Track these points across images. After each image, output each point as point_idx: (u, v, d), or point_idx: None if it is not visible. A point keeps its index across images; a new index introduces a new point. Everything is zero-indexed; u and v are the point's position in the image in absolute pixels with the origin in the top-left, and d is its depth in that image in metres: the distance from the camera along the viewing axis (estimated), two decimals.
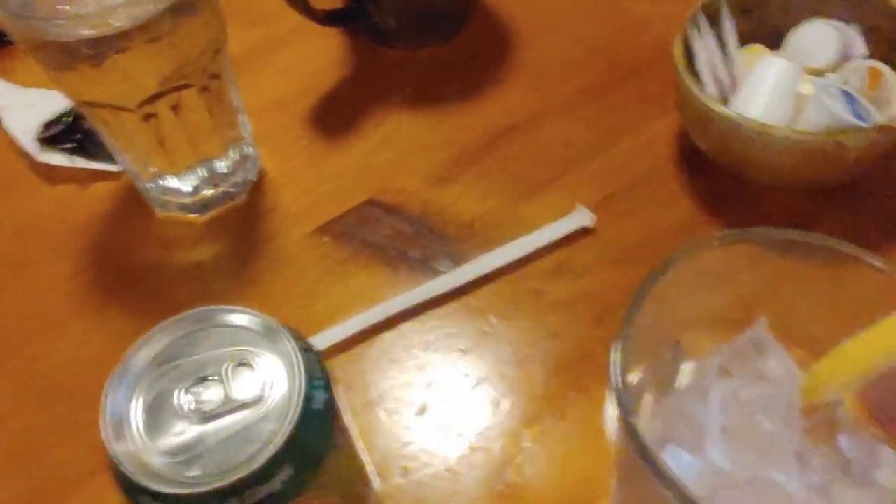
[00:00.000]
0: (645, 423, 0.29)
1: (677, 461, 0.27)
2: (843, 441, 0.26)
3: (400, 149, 0.52)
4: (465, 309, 0.44)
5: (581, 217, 0.46)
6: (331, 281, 0.46)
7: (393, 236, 0.47)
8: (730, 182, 0.46)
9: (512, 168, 0.50)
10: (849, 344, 0.25)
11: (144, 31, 0.39)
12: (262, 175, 0.51)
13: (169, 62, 0.41)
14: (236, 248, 0.48)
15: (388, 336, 0.43)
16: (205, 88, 0.45)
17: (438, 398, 0.41)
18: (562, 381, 0.41)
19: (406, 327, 0.44)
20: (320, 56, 0.57)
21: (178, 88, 0.42)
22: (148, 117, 0.44)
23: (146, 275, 0.47)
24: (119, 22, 0.38)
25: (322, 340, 0.43)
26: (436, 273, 0.45)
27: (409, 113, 0.53)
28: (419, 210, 0.48)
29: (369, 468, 0.35)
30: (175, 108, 0.44)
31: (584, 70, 0.54)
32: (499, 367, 0.42)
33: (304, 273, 0.46)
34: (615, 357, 0.25)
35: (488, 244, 0.46)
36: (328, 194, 0.50)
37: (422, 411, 0.41)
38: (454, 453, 0.39)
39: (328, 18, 0.51)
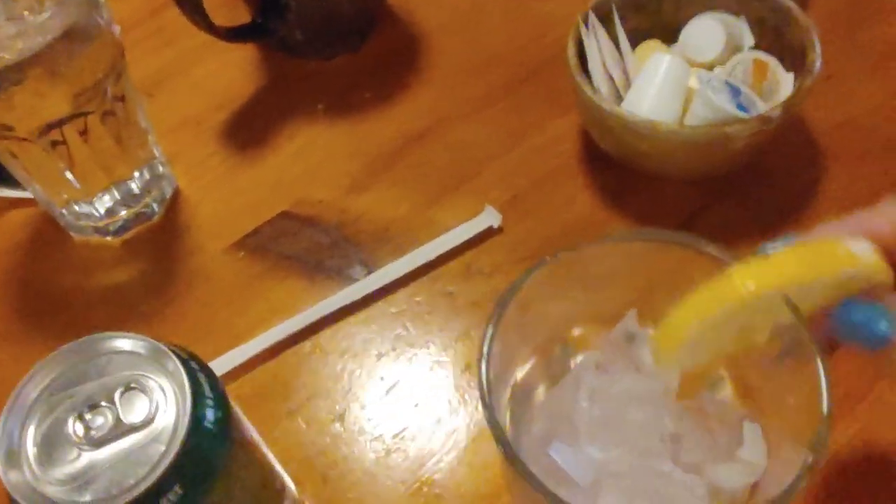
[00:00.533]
0: (536, 419, 0.31)
1: (561, 455, 0.29)
2: (713, 422, 0.28)
3: (314, 160, 0.52)
4: (380, 314, 0.45)
5: (489, 217, 0.47)
6: (249, 295, 0.47)
7: (309, 248, 0.48)
8: (629, 176, 0.47)
9: (423, 172, 0.51)
10: (675, 311, 0.27)
11: (39, 62, 0.39)
12: (177, 193, 0.51)
13: (67, 90, 0.41)
14: (153, 268, 0.48)
15: (305, 345, 0.44)
16: (109, 113, 0.45)
17: (356, 403, 0.42)
18: (475, 381, 0.42)
19: (323, 336, 0.45)
20: (233, 72, 0.58)
21: (79, 115, 0.43)
22: (55, 144, 0.44)
23: (65, 300, 0.47)
24: (11, 55, 0.38)
25: (241, 354, 0.44)
26: (352, 281, 0.46)
27: (321, 124, 0.54)
28: (335, 220, 0.49)
29: (286, 479, 0.36)
30: (83, 133, 0.45)
31: (490, 72, 0.55)
32: (414, 370, 0.43)
33: (221, 289, 0.47)
34: (482, 362, 0.26)
35: (401, 250, 0.47)
36: (243, 209, 0.50)
37: (340, 418, 0.42)
38: (371, 456, 0.40)
39: (232, 35, 0.51)
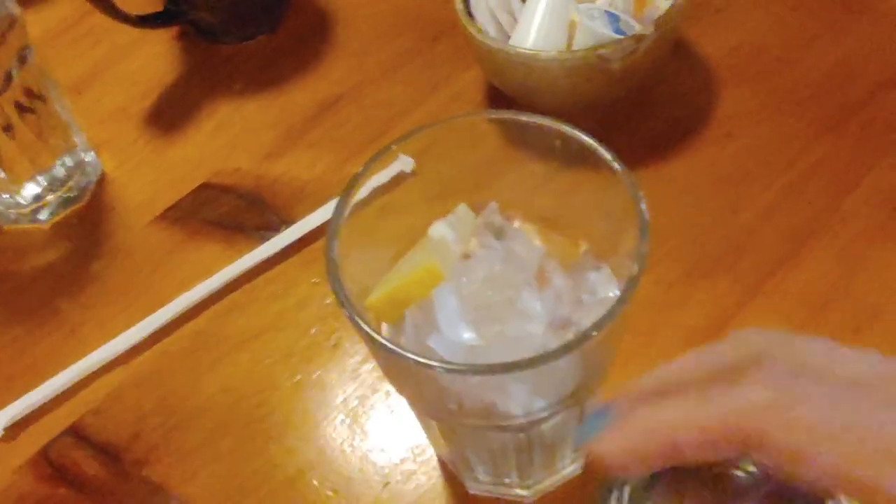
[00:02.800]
0: (408, 318, 0.32)
1: (439, 344, 0.30)
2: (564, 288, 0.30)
3: (232, 134, 0.54)
4: (299, 263, 0.47)
5: (401, 164, 0.49)
6: (171, 261, 0.48)
7: (229, 212, 0.50)
8: None
9: (338, 135, 0.53)
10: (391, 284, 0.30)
11: None
12: (103, 178, 0.53)
13: None
14: (81, 247, 0.50)
15: (226, 302, 0.46)
16: (28, 110, 0.48)
17: (278, 351, 0.44)
18: None
19: (245, 290, 0.46)
20: (158, 63, 0.60)
21: None
22: None
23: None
24: None
25: (164, 314, 0.45)
26: (270, 237, 0.48)
27: (240, 101, 0.56)
28: (252, 185, 0.51)
29: None
30: (6, 129, 0.47)
31: (399, 36, 0.57)
32: (332, 310, 0.45)
33: (146, 260, 0.49)
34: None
35: (319, 205, 0.49)
36: (166, 186, 0.52)
37: (262, 361, 0.43)
38: (293, 394, 0.42)
39: (142, 21, 0.53)
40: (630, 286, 0.26)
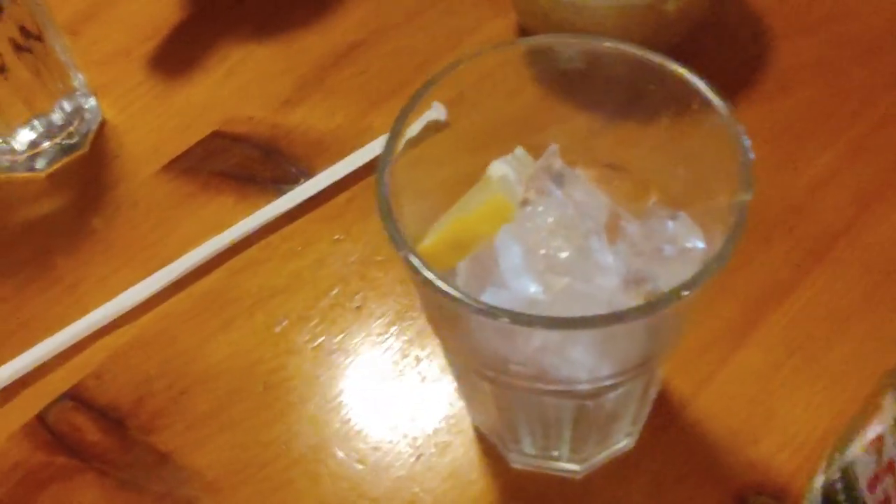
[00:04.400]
0: (461, 270, 0.29)
1: (495, 298, 0.27)
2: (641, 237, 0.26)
3: (245, 80, 0.50)
4: (320, 219, 0.43)
5: (435, 112, 0.45)
6: (178, 215, 0.44)
7: (241, 163, 0.46)
8: None
9: (358, 83, 0.49)
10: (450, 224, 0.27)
11: None
12: (104, 124, 0.49)
13: None
14: (80, 199, 0.46)
15: (240, 259, 0.42)
16: (25, 49, 0.43)
17: (294, 313, 0.40)
18: None
19: (259, 246, 0.43)
20: (161, 3, 0.56)
21: None
22: None
23: None
24: None
25: (174, 271, 0.42)
26: (287, 191, 0.44)
27: (252, 44, 0.52)
28: (267, 135, 0.47)
29: None
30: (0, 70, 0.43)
31: None
32: (356, 269, 0.41)
33: (150, 212, 0.45)
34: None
35: (340, 157, 0.45)
36: (172, 134, 0.48)
37: (279, 324, 0.40)
38: (311, 357, 0.38)
39: None
40: (732, 239, 0.23)
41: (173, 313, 0.41)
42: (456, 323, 0.26)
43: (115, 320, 0.41)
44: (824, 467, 0.28)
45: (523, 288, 0.25)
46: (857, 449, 0.24)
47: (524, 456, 0.33)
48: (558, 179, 0.28)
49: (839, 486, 0.25)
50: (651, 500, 0.33)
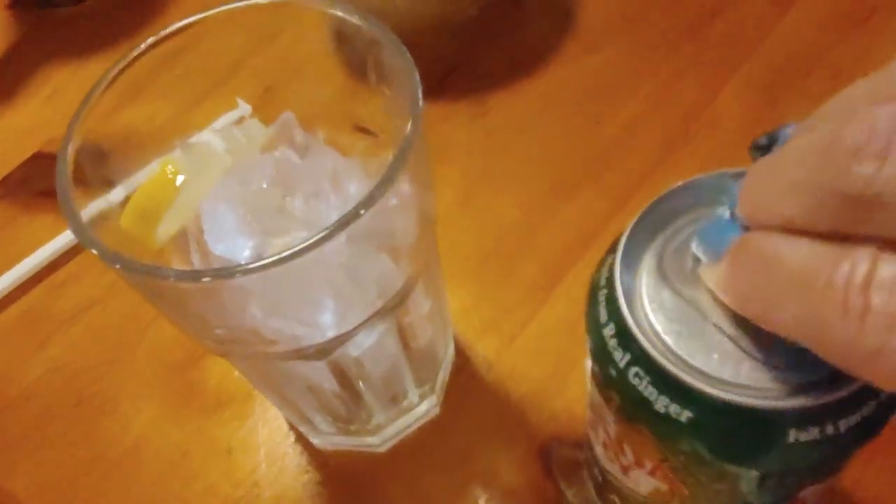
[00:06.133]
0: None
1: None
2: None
3: (67, 100, 0.50)
4: None
5: (240, 111, 0.45)
6: (1, 239, 0.44)
7: None
8: None
9: (177, 86, 0.49)
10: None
11: None
12: None
13: None
14: None
15: (64, 271, 0.42)
16: None
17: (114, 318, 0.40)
18: None
19: (78, 260, 0.42)
20: None
21: None
22: None
23: None
24: None
25: None
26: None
27: (75, 64, 0.52)
28: None
29: None
30: None
31: None
32: None
33: None
34: None
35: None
36: None
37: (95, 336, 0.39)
38: (134, 363, 0.38)
39: None
40: (401, 154, 0.22)
41: None
42: (161, 299, 0.25)
43: None
44: None
45: (238, 250, 0.25)
46: None
47: (323, 434, 0.33)
48: (293, 143, 0.28)
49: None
50: (457, 465, 0.33)
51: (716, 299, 0.19)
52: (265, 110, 0.43)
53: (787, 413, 0.17)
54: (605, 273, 0.20)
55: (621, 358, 0.19)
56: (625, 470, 0.23)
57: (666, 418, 0.18)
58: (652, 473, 0.21)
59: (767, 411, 0.17)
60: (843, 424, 0.17)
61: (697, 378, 0.18)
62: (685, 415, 0.18)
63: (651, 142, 0.41)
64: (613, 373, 0.19)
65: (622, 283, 0.19)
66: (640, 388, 0.18)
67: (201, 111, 0.46)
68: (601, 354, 0.19)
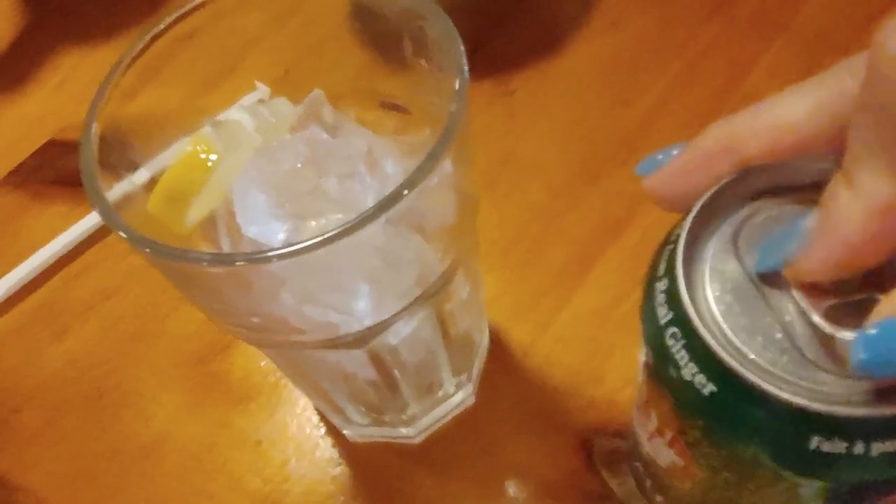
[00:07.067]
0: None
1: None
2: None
3: (79, 87, 0.49)
4: None
5: (259, 93, 0.44)
6: (11, 229, 0.43)
7: (76, 169, 0.44)
8: None
9: (193, 68, 0.48)
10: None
11: None
12: None
13: None
14: None
15: (77, 264, 0.41)
16: None
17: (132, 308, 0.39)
18: None
19: (94, 251, 0.41)
20: None
21: None
22: None
23: None
24: None
25: (2, 286, 0.40)
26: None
27: (84, 50, 0.50)
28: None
29: None
30: None
31: None
32: None
33: None
34: None
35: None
36: (6, 149, 0.46)
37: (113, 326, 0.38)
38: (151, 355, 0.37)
39: None
40: (447, 132, 0.21)
41: (4, 330, 0.39)
42: (193, 286, 0.24)
43: None
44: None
45: (272, 233, 0.24)
46: None
47: (355, 426, 0.32)
48: (326, 123, 0.27)
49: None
50: (492, 455, 0.32)
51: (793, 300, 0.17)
52: (285, 91, 0.42)
53: (868, 421, 0.16)
54: (663, 265, 0.19)
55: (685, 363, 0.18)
56: (668, 464, 0.22)
57: (733, 420, 0.17)
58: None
59: (844, 419, 0.16)
60: None
61: (768, 380, 0.16)
62: (749, 418, 0.17)
63: (680, 122, 0.40)
64: (674, 374, 0.18)
65: (684, 277, 0.18)
66: (701, 390, 0.17)
67: (220, 94, 0.45)
68: (660, 356, 0.18)
